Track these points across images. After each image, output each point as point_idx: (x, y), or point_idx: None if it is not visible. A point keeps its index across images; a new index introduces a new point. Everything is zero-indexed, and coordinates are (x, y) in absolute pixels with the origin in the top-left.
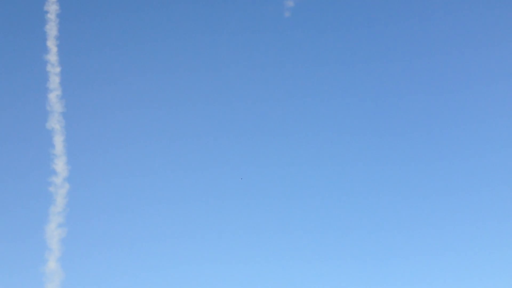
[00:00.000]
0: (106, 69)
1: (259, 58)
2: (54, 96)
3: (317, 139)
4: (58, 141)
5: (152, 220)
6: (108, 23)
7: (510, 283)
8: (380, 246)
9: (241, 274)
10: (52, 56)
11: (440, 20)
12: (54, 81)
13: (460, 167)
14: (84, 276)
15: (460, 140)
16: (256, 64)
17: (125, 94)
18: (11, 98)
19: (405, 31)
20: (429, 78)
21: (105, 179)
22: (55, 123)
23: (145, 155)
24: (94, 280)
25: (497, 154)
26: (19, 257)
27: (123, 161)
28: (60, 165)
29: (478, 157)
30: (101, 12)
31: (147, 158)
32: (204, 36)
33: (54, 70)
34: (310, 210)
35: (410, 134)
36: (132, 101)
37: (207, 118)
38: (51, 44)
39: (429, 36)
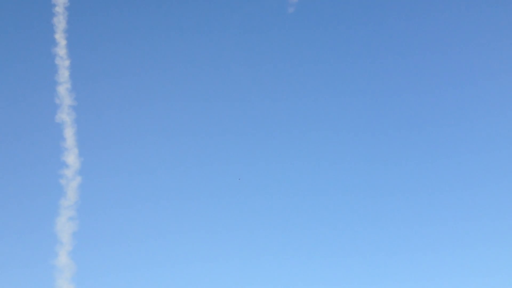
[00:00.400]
0: (116, 62)
1: (262, 54)
2: (63, 89)
3: (319, 137)
4: (69, 134)
5: (165, 214)
6: (117, 16)
7: (509, 282)
8: (379, 245)
9: (246, 270)
10: (61, 49)
11: (447, 19)
12: (63, 74)
13: (458, 166)
14: (96, 270)
15: (458, 139)
16: (259, 61)
17: (135, 87)
18: (19, 91)
19: (410, 26)
20: (433, 76)
21: (117, 172)
22: (65, 116)
23: (158, 149)
24: (106, 274)
25: (495, 153)
26: (29, 250)
27: (135, 155)
28: (72, 158)
29: (476, 156)
30: (109, 5)
31: (159, 152)
32: (207, 32)
33: (63, 63)
34: (309, 209)
35: (411, 133)
36: (143, 94)
37: (213, 113)
38: (60, 37)
39: (434, 33)
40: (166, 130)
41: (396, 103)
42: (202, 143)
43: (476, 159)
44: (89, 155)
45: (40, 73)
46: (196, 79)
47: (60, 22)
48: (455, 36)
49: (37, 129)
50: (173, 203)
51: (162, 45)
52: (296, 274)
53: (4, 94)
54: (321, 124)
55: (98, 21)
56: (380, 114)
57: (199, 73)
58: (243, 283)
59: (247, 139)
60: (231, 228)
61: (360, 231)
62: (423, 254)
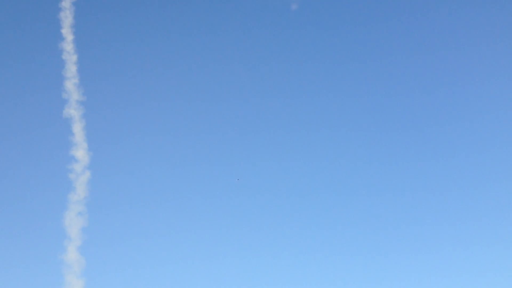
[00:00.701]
0: (124, 57)
1: (265, 51)
2: (71, 84)
3: (321, 136)
4: (78, 128)
5: (174, 210)
6: (124, 10)
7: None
8: (378, 244)
9: (247, 268)
10: (68, 44)
11: (455, 18)
12: (71, 69)
13: (457, 165)
14: (105, 265)
15: (457, 139)
16: (262, 58)
17: (144, 82)
18: (26, 87)
19: (415, 23)
20: (436, 76)
21: (126, 167)
22: (73, 111)
23: (167, 144)
24: (115, 269)
25: (495, 153)
26: (38, 246)
27: (144, 150)
28: (81, 153)
29: (475, 156)
30: (116, 0)
31: (168, 147)
32: (210, 29)
33: (70, 58)
34: (308, 208)
35: (411, 132)
36: (151, 89)
37: (219, 108)
38: (67, 32)
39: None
40: (175, 125)
41: (403, 100)
42: (211, 137)
43: (475, 159)
44: (98, 150)
45: (47, 68)
46: (200, 76)
47: (67, 17)
48: (463, 36)
49: (45, 124)
50: (182, 198)
51: (168, 41)
52: (295, 273)
53: (11, 90)
54: (323, 122)
55: (105, 16)
56: (386, 112)
57: (203, 70)
58: (245, 280)
59: (253, 137)
60: (239, 223)
61: (359, 231)
62: (422, 254)
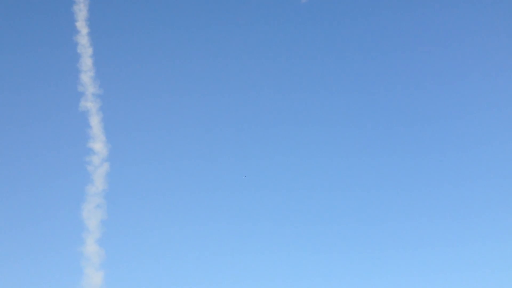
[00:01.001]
0: (140, 49)
1: (274, 45)
2: (86, 77)
3: (332, 132)
4: (95, 121)
5: (193, 201)
6: (140, 2)
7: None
8: (380, 243)
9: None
10: (83, 38)
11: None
12: (86, 62)
13: (455, 163)
14: (124, 257)
15: (455, 137)
16: (271, 52)
17: (161, 74)
18: (41, 81)
19: (429, 14)
20: (437, 74)
21: (145, 159)
22: (90, 104)
23: (186, 136)
24: (134, 261)
25: (493, 151)
26: (56, 238)
27: (163, 142)
28: (99, 145)
29: (472, 154)
30: None
31: (187, 139)
32: (221, 24)
33: (86, 51)
34: (310, 206)
35: (414, 130)
36: (168, 80)
37: (230, 101)
38: (81, 25)
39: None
40: (194, 118)
41: (413, 96)
42: (229, 131)
43: (474, 158)
44: (116, 142)
45: (62, 61)
46: (214, 69)
47: (81, 10)
48: (472, 30)
49: (62, 117)
50: (201, 191)
51: (182, 34)
52: (298, 270)
53: (26, 84)
54: (334, 118)
55: (120, 8)
56: (403, 107)
57: (215, 63)
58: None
59: (267, 133)
60: (251, 217)
61: (363, 229)
62: (421, 252)
